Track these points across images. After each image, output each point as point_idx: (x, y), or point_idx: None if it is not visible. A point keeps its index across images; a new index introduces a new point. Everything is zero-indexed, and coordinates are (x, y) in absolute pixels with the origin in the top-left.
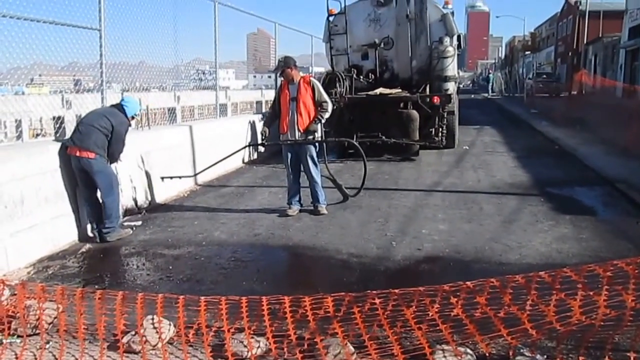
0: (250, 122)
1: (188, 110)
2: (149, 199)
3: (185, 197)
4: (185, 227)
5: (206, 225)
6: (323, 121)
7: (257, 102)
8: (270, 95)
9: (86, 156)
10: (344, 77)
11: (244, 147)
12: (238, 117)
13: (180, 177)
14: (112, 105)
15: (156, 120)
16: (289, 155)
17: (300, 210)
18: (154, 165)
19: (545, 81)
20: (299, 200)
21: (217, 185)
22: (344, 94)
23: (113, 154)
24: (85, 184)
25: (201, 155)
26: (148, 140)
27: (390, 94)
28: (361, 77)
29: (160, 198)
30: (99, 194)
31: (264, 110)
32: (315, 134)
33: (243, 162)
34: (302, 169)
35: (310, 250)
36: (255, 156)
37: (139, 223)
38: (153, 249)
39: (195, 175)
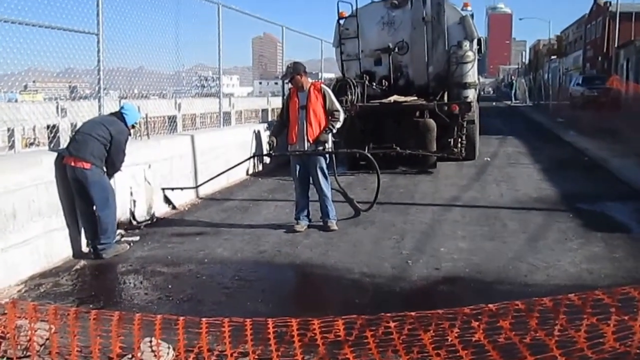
0: (255, 131)
1: (189, 118)
2: (148, 213)
3: (186, 212)
4: (185, 243)
5: (208, 241)
6: (334, 131)
7: (262, 110)
8: (277, 102)
9: (81, 166)
10: (355, 84)
11: (249, 158)
12: (243, 126)
13: (181, 189)
14: (111, 114)
15: (156, 130)
16: (298, 167)
17: (309, 226)
18: (153, 178)
19: (598, 88)
20: (308, 216)
21: (219, 198)
22: (355, 102)
23: (113, 165)
24: (80, 196)
25: (203, 167)
26: (147, 151)
27: (406, 101)
28: (374, 83)
29: (159, 212)
30: (94, 207)
31: (270, 119)
32: (326, 144)
33: (247, 174)
34: (311, 181)
35: (320, 269)
36: (261, 168)
37: (137, 238)
38: (151, 267)
39: (197, 186)
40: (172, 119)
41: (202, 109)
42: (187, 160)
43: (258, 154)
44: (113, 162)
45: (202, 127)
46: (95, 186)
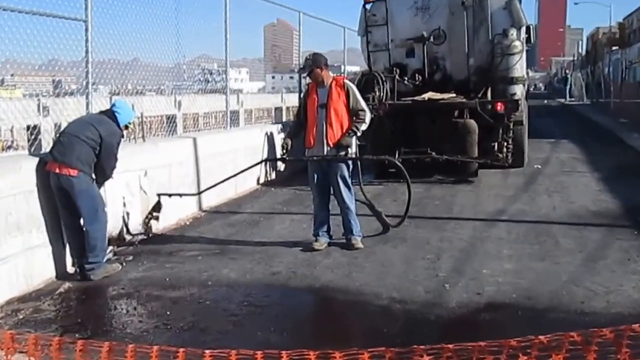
0: (267, 133)
1: (191, 118)
2: (143, 227)
3: (187, 226)
4: (186, 263)
5: (212, 261)
6: (359, 134)
7: (276, 109)
8: (292, 100)
9: (67, 173)
10: (384, 79)
11: (260, 163)
12: (253, 127)
13: (180, 195)
14: (101, 112)
15: (152, 131)
16: (316, 175)
17: (330, 244)
18: (149, 187)
19: None
20: (328, 232)
21: (226, 211)
22: (384, 100)
23: (103, 171)
24: (65, 208)
25: (207, 174)
26: (142, 156)
27: (442, 99)
28: (405, 78)
29: (156, 227)
30: (82, 221)
31: (284, 119)
32: (349, 149)
33: (258, 183)
34: (331, 192)
35: (342, 294)
36: (274, 176)
37: (130, 258)
38: (147, 290)
39: (200, 193)
40: (172, 119)
41: (206, 107)
42: (189, 167)
43: (270, 159)
44: (103, 168)
45: (205, 129)
46: (82, 196)
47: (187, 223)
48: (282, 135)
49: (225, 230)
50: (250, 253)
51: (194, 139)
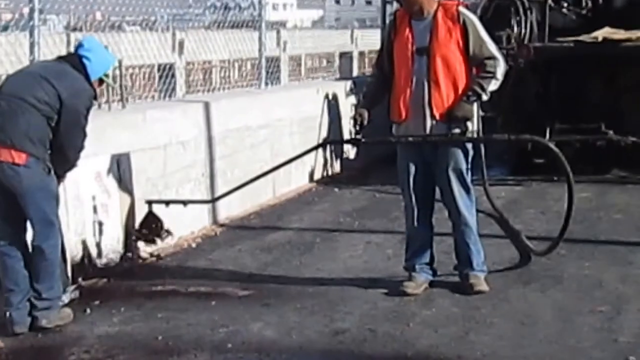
0: (328, 97)
1: (200, 69)
2: (123, 249)
3: (194, 250)
4: (190, 311)
5: (235, 308)
6: (485, 97)
7: (342, 56)
8: (370, 40)
9: (8, 160)
10: (527, 5)
11: (318, 147)
12: (304, 86)
13: (184, 203)
14: (60, 59)
15: (136, 91)
16: (413, 168)
17: (432, 284)
18: (133, 182)
19: None
20: (430, 264)
21: (258, 226)
22: (527, 41)
23: (64, 155)
24: (5, 214)
25: (227, 164)
26: (120, 132)
27: (629, 40)
28: (564, 4)
29: (145, 249)
30: (30, 234)
31: (356, 73)
32: (468, 124)
33: (312, 179)
34: (438, 196)
35: None
36: (338, 168)
37: (98, 301)
38: (126, 356)
39: (214, 200)
40: (167, 71)
41: (225, 52)
42: (196, 152)
43: (334, 141)
44: (64, 150)
45: (224, 88)
46: (34, 196)
47: (194, 244)
48: (353, 99)
49: (257, 257)
50: (298, 297)
51: (206, 105)
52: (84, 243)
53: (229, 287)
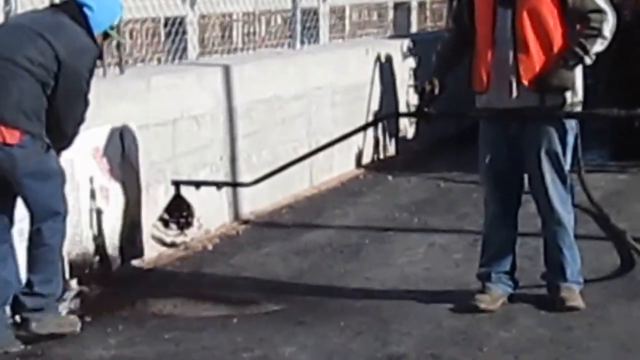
0: (380, 58)
1: (217, 24)
2: (127, 246)
3: (210, 253)
4: (206, 330)
5: (261, 329)
6: (588, 61)
7: (397, 6)
8: None
9: (0, 139)
10: None
11: (370, 125)
12: (348, 46)
13: (217, 186)
14: (55, 8)
15: (141, 52)
16: (498, 149)
17: (512, 297)
18: (140, 161)
19: None
20: (511, 273)
21: (290, 223)
22: None
23: (61, 130)
24: None
25: (252, 143)
26: (120, 104)
27: None
28: None
29: (151, 251)
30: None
31: (414, 30)
32: (567, 94)
33: (360, 164)
34: (526, 188)
35: None
36: (393, 150)
37: (91, 318)
38: None
39: (254, 183)
40: (177, 27)
41: (250, 1)
42: (213, 128)
43: (390, 115)
44: (61, 123)
45: (248, 49)
46: (31, 182)
47: (210, 247)
48: (412, 62)
49: (289, 263)
50: (341, 313)
51: (225, 70)
52: (78, 237)
53: (255, 301)
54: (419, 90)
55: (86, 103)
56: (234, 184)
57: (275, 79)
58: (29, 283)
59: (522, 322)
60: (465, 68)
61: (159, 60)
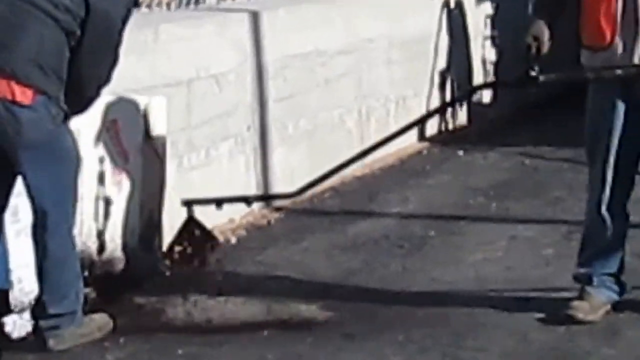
0: (448, 3)
1: None
2: (139, 253)
3: (234, 248)
4: (229, 344)
5: (299, 342)
6: None
7: None
8: None
9: (8, 96)
10: None
11: (466, 97)
12: None
13: (247, 201)
14: None
15: None
16: (615, 118)
17: (617, 305)
18: (166, 139)
19: None
20: (617, 274)
21: (335, 209)
22: None
23: (80, 90)
24: None
25: (287, 110)
26: (121, 59)
27: None
28: None
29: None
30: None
31: None
32: None
33: (423, 136)
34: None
35: None
36: (464, 119)
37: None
38: None
39: (297, 194)
40: None
41: None
42: (237, 91)
43: (485, 85)
44: (83, 82)
45: None
46: (37, 156)
47: (234, 239)
48: (489, 8)
49: (334, 260)
50: (401, 323)
51: (253, 17)
52: (77, 230)
53: (290, 308)
54: (525, 47)
55: (116, 59)
56: (269, 197)
57: (315, 28)
58: (40, 302)
59: (630, 336)
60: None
61: (168, 5)
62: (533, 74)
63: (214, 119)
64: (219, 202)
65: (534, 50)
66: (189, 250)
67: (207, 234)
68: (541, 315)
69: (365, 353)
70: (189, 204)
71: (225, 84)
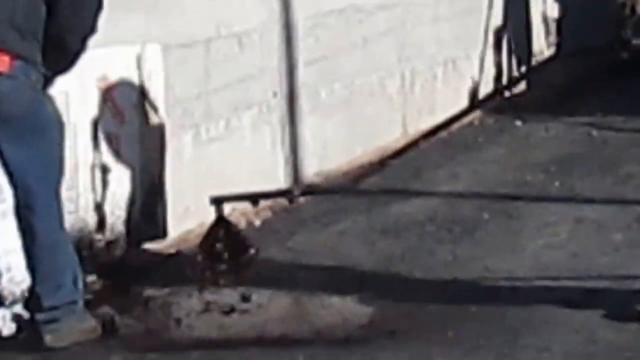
0: None
1: None
2: (141, 225)
3: (257, 232)
4: (258, 347)
5: (334, 342)
6: None
7: None
8: None
9: None
10: None
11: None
12: None
13: (289, 198)
14: None
15: None
16: None
17: None
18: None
19: None
20: None
21: (374, 188)
22: None
23: (62, 46)
24: None
25: (320, 74)
26: (129, 15)
27: None
28: None
29: (176, 228)
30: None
31: None
32: None
33: (475, 104)
34: None
35: None
36: (523, 83)
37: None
38: None
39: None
40: None
41: None
42: (263, 52)
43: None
44: (64, 35)
45: None
46: (18, 128)
47: (258, 222)
48: None
49: (373, 245)
50: (451, 318)
51: None
52: (72, 204)
53: (322, 300)
54: (619, 4)
55: (100, 4)
56: (319, 191)
57: None
58: (34, 295)
59: None
60: None
61: None
62: (626, 37)
63: (235, 85)
64: (254, 199)
65: (627, 9)
66: (224, 255)
67: (240, 242)
68: (610, 310)
69: (409, 353)
70: (217, 201)
71: (249, 44)
